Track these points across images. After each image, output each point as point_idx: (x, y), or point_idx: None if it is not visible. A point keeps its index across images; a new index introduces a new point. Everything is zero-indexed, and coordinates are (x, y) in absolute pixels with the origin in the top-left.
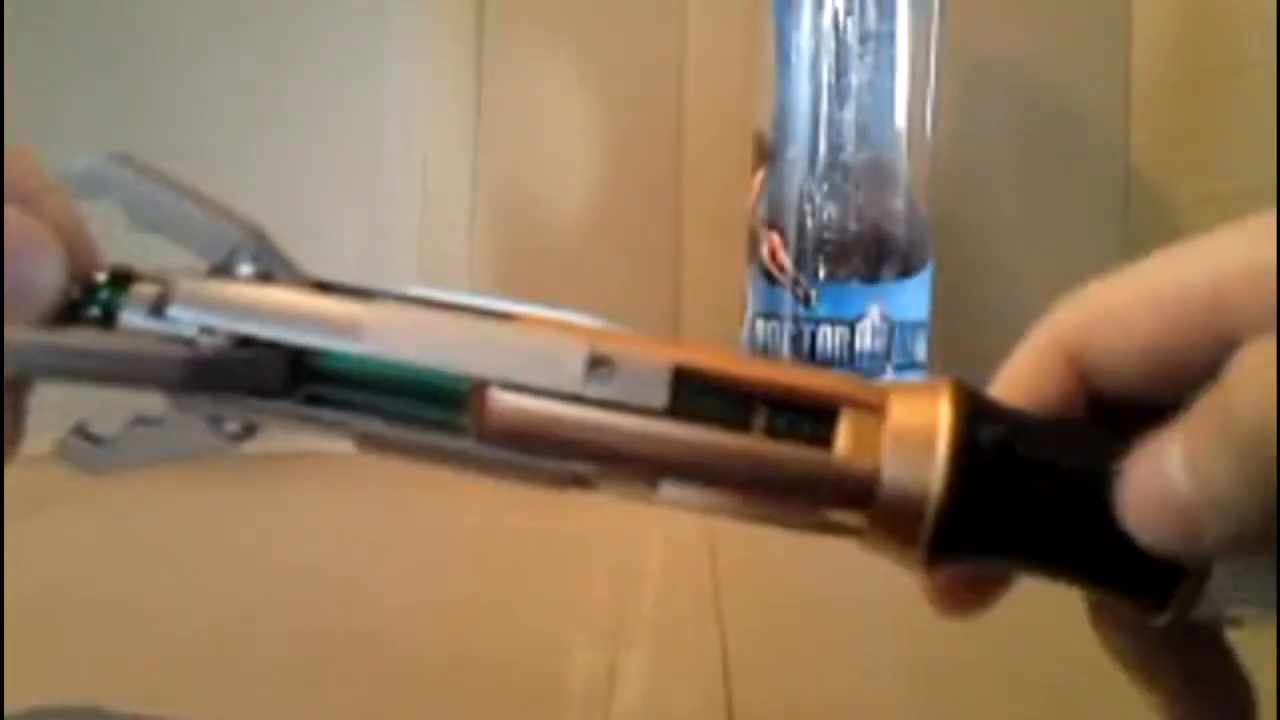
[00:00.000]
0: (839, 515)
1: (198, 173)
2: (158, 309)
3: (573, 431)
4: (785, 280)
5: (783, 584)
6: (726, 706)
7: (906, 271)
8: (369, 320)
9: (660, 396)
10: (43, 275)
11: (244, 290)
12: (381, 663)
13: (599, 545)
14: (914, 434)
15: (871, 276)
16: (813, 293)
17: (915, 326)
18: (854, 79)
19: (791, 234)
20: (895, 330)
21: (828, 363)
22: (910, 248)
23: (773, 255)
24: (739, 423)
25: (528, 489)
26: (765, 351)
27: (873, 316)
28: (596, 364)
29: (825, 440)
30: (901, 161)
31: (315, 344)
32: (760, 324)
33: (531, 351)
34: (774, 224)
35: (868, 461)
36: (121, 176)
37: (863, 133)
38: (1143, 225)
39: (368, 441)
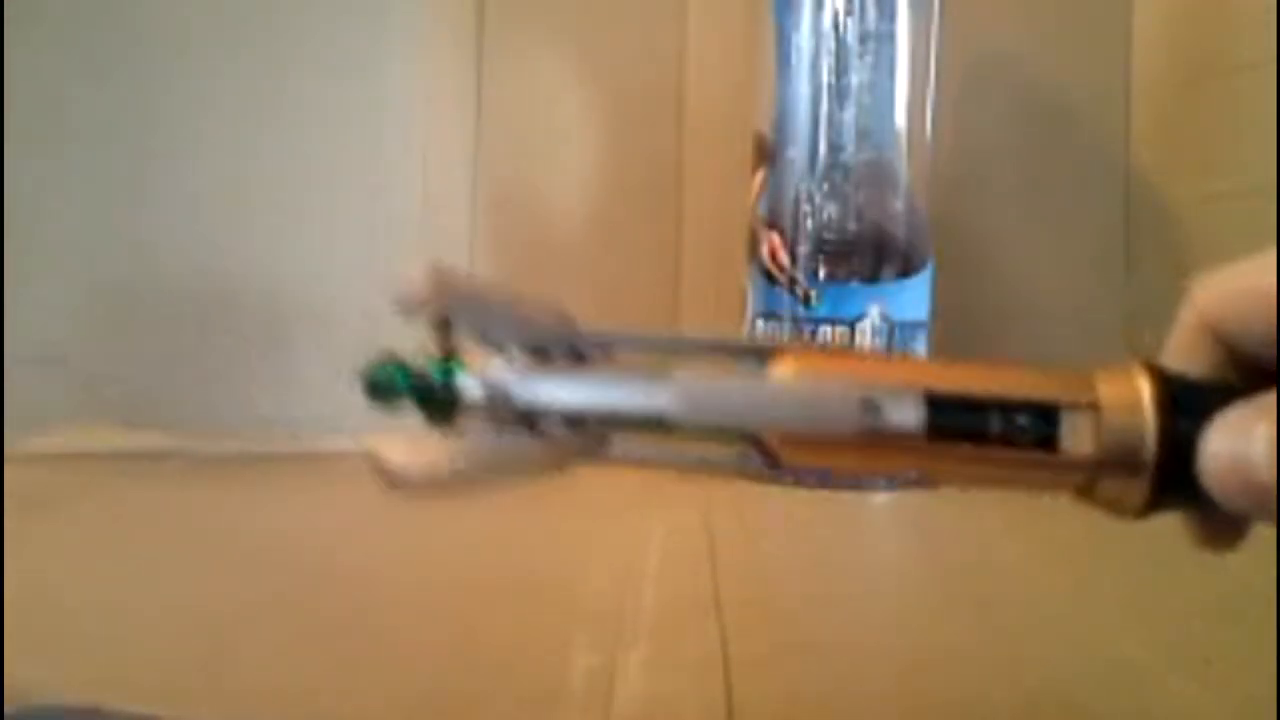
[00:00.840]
0: (1073, 483)
1: (198, 173)
2: (499, 393)
3: (855, 463)
4: (785, 280)
5: (783, 582)
6: (726, 704)
7: (906, 271)
8: (675, 396)
9: (920, 424)
10: None
11: (570, 376)
12: (381, 661)
13: (599, 543)
14: (1124, 414)
15: (871, 276)
16: (813, 293)
17: (915, 326)
18: (854, 79)
19: (791, 234)
20: (895, 330)
21: None
22: (910, 248)
23: (773, 255)
24: (981, 432)
25: (528, 487)
26: None
27: (873, 316)
28: (867, 408)
29: (1052, 437)
30: (901, 161)
31: (637, 421)
32: (760, 324)
33: (813, 405)
34: (774, 224)
35: (1088, 449)
36: (447, 296)
37: (863, 133)
38: (1143, 225)
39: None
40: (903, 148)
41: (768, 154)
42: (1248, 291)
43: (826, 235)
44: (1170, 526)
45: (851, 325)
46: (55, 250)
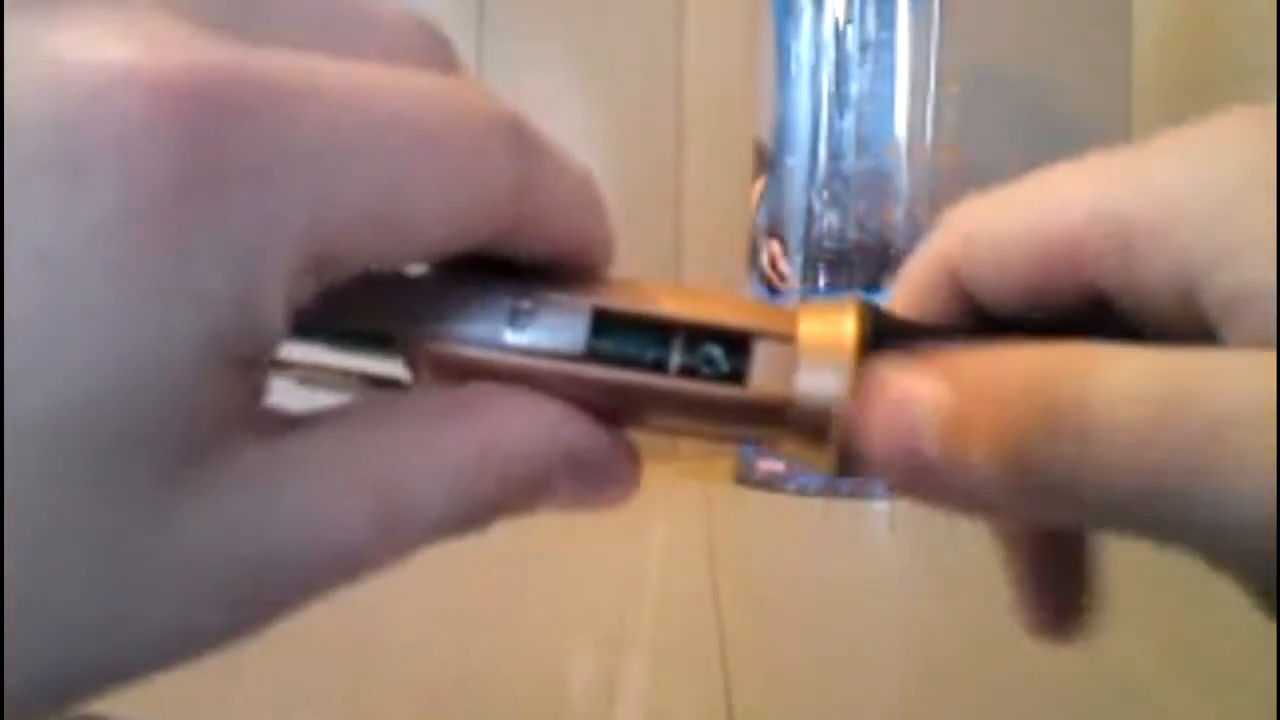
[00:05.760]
0: (757, 432)
1: None
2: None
3: (499, 375)
4: (785, 288)
5: (782, 590)
6: (726, 707)
7: None
8: None
9: (579, 340)
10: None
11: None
12: (382, 670)
13: (599, 551)
14: (822, 354)
15: (871, 285)
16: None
17: None
18: (854, 88)
19: (791, 242)
20: None
21: None
22: (910, 256)
23: (773, 264)
24: (656, 361)
25: None
26: None
27: None
28: (518, 313)
29: (740, 373)
30: (901, 170)
31: None
32: None
33: (458, 305)
34: (774, 232)
35: (780, 389)
36: None
37: (862, 142)
38: None
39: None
40: (902, 157)
41: (768, 163)
42: (997, 238)
43: (826, 244)
44: None
45: None
46: None
